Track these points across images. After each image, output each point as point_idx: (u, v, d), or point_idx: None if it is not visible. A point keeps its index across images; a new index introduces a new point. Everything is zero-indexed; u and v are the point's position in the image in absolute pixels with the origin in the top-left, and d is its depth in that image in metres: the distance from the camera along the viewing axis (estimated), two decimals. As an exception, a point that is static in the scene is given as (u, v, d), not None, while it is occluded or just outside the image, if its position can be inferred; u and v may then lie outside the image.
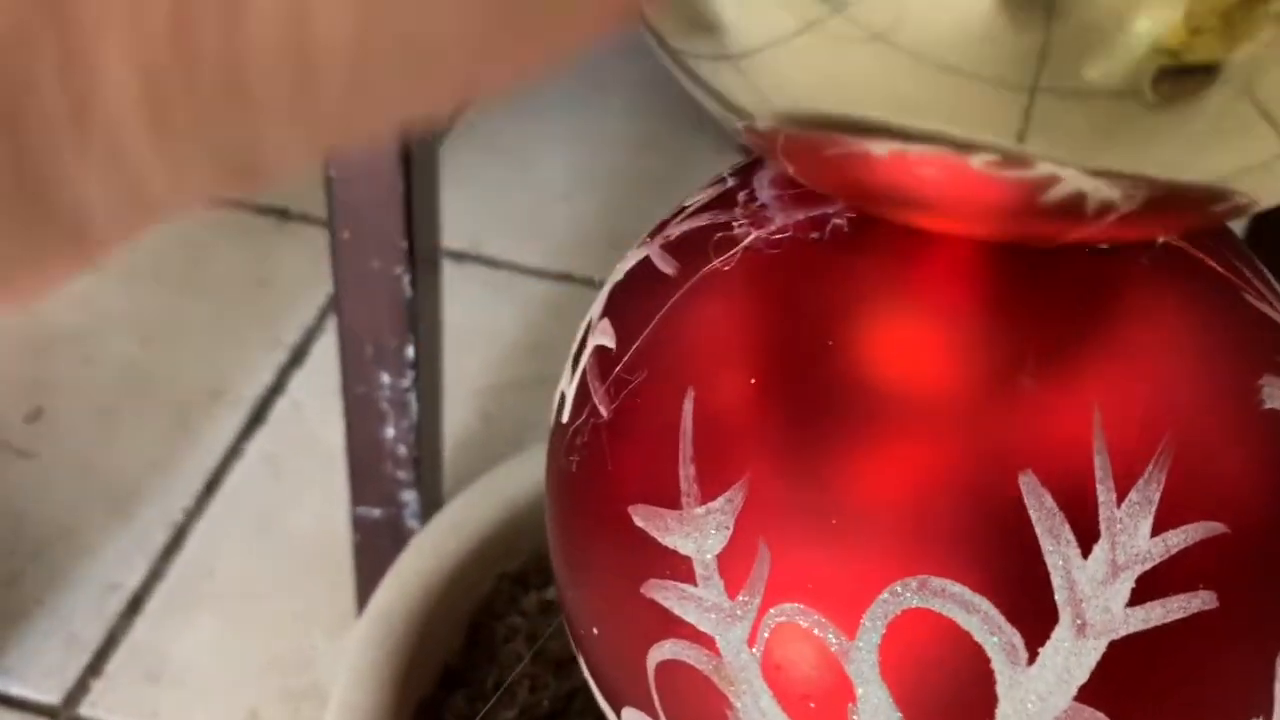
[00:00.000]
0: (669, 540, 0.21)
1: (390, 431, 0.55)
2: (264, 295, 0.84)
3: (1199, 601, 0.19)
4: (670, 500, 0.21)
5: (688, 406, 0.21)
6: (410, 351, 0.51)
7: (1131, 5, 0.14)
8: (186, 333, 0.80)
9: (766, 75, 0.17)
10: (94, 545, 0.68)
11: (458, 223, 0.88)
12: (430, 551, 0.39)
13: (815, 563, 0.19)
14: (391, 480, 0.56)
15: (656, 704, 0.22)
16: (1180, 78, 0.15)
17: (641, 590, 0.21)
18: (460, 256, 0.88)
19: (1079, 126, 0.16)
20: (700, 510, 0.20)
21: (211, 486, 0.70)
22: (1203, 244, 0.21)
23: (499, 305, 0.85)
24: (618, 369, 0.23)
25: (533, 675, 0.40)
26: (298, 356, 0.79)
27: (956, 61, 0.15)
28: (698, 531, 0.20)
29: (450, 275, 0.87)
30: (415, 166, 0.48)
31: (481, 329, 0.82)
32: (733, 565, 0.20)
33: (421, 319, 0.51)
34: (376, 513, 0.58)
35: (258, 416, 0.75)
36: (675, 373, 0.21)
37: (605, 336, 0.24)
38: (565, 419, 0.24)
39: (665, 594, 0.21)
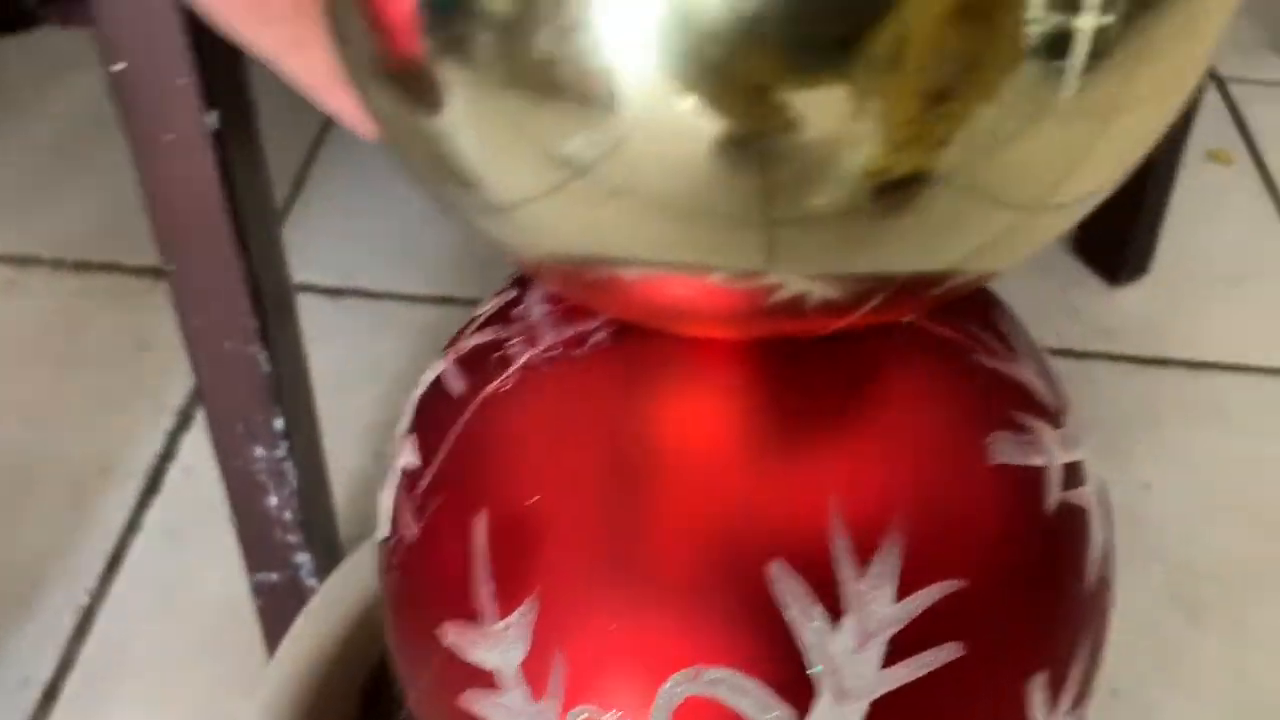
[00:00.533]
0: (475, 656, 0.22)
1: (273, 500, 0.55)
2: (145, 360, 0.83)
3: (946, 653, 0.21)
4: (473, 617, 0.22)
5: (479, 527, 0.22)
6: (279, 423, 0.52)
7: (833, 142, 0.16)
8: (70, 409, 0.79)
9: (522, 225, 0.18)
10: (0, 640, 0.68)
11: (330, 259, 0.89)
12: (309, 636, 0.40)
13: (604, 664, 0.21)
14: (283, 545, 0.57)
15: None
16: (897, 188, 0.16)
17: (458, 702, 0.23)
18: (337, 292, 0.88)
19: (815, 246, 0.17)
20: (500, 626, 0.22)
21: (113, 564, 0.70)
22: (941, 314, 0.23)
23: (381, 337, 0.86)
24: (420, 489, 0.24)
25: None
26: (184, 420, 0.79)
27: (690, 207, 0.16)
28: (500, 645, 0.22)
29: (329, 312, 0.87)
30: (252, 244, 0.48)
31: (366, 364, 0.82)
32: (534, 673, 0.21)
33: (285, 390, 0.52)
34: (274, 577, 0.59)
35: (151, 487, 0.75)
36: (468, 494, 0.23)
37: (410, 456, 0.25)
38: (384, 534, 0.26)
39: (479, 704, 0.22)
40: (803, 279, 0.18)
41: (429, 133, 0.18)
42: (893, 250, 0.18)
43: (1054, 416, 0.24)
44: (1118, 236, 0.87)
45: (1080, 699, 0.23)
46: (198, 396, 0.78)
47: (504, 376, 0.23)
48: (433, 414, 0.25)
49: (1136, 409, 0.80)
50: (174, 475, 0.75)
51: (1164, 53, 0.17)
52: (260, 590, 0.60)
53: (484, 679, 0.22)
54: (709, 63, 0.15)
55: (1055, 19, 0.15)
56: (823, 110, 0.15)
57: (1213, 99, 1.06)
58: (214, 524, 0.70)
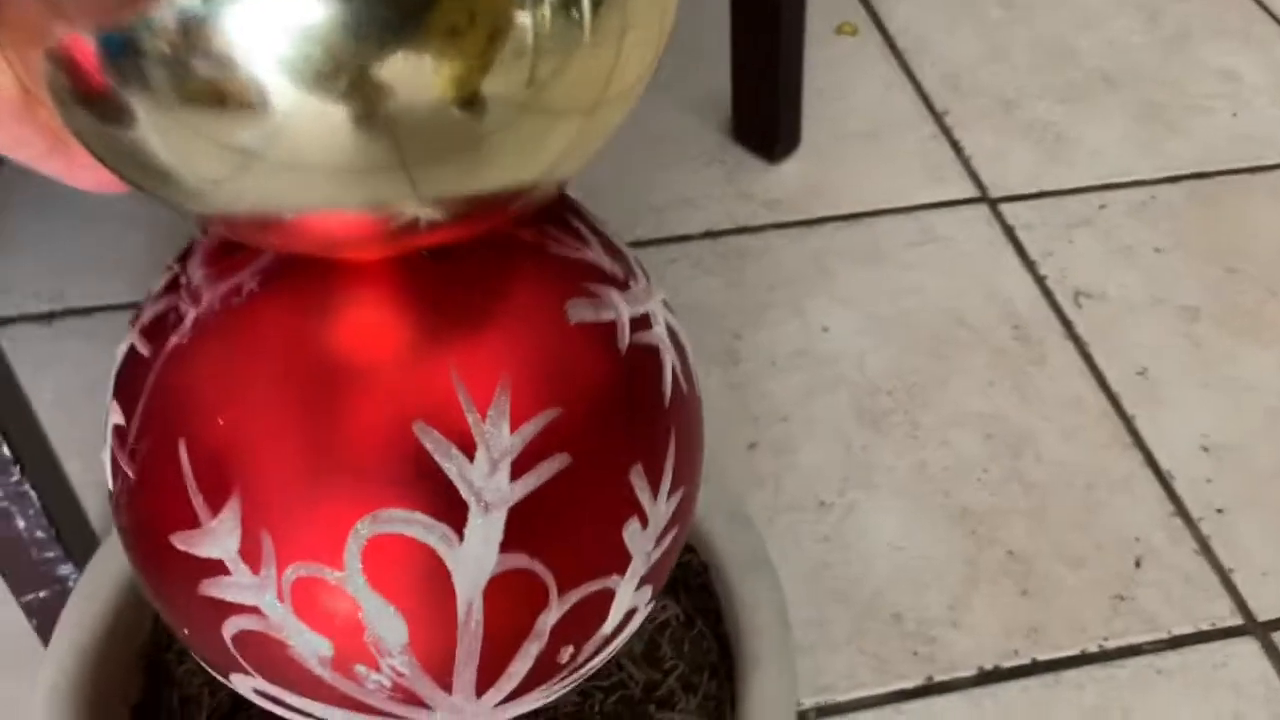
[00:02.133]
0: (203, 551, 0.28)
1: (20, 523, 0.58)
2: None
3: (559, 461, 0.28)
4: (194, 523, 0.28)
5: (183, 453, 0.28)
6: (5, 450, 0.54)
7: (421, 97, 0.21)
8: None
9: (215, 202, 0.23)
10: None
11: (37, 286, 0.88)
12: (77, 622, 0.44)
13: (302, 530, 0.27)
14: (43, 563, 0.60)
15: (243, 663, 0.29)
16: (473, 107, 0.22)
17: (199, 590, 0.28)
18: (49, 316, 0.88)
19: (425, 180, 0.23)
20: (214, 523, 0.27)
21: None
22: (521, 220, 0.30)
23: (103, 349, 0.87)
24: (129, 440, 0.29)
25: (209, 683, 0.46)
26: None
27: (339, 166, 0.22)
28: (218, 539, 0.27)
29: (47, 337, 0.87)
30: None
31: (94, 377, 0.83)
32: (250, 552, 0.27)
33: (4, 416, 0.54)
34: (43, 594, 0.61)
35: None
36: (167, 431, 0.28)
37: (117, 415, 0.30)
38: (110, 487, 0.31)
39: (215, 588, 0.28)
40: (416, 205, 0.24)
41: (125, 144, 0.22)
42: (481, 175, 0.24)
43: (621, 283, 0.31)
44: (767, 118, 0.97)
45: (677, 486, 0.31)
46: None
47: (179, 333, 0.29)
48: (129, 376, 0.30)
49: (809, 266, 0.91)
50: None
51: (636, 5, 0.24)
52: (32, 610, 0.62)
53: (214, 568, 0.28)
54: (317, 64, 0.21)
55: None
56: (409, 74, 0.21)
57: (834, -23, 1.18)
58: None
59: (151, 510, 0.29)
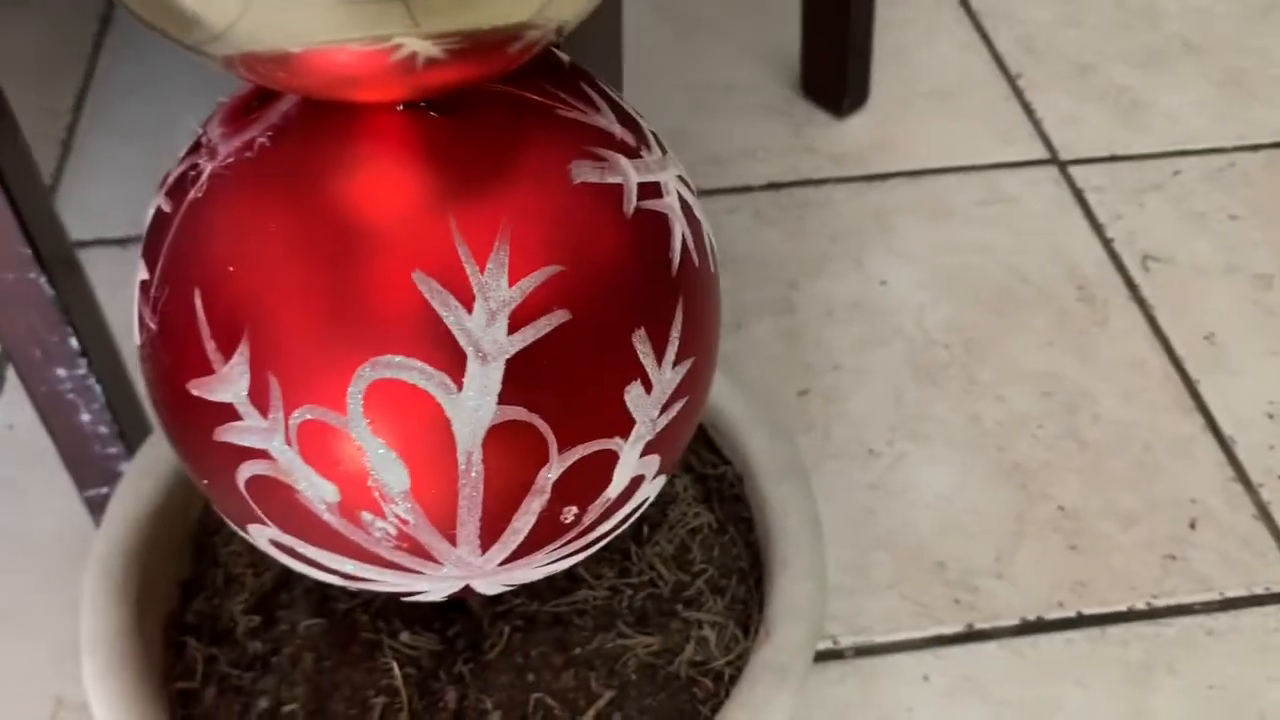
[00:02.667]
0: (215, 395, 0.29)
1: (85, 416, 0.60)
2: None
3: (558, 317, 0.28)
4: (208, 370, 0.29)
5: (198, 302, 0.29)
6: (74, 342, 0.57)
7: None
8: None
9: (229, 42, 0.24)
10: None
11: (113, 210, 0.91)
12: (133, 494, 0.46)
13: (307, 375, 0.28)
14: (104, 458, 0.62)
15: (257, 510, 0.30)
16: None
17: (214, 437, 0.30)
18: (124, 241, 0.91)
19: (420, 11, 0.24)
20: (226, 369, 0.29)
21: (-45, 522, 0.73)
22: (531, 85, 0.31)
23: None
24: (152, 292, 0.31)
25: (253, 564, 0.47)
26: (-5, 380, 0.81)
27: None
28: (230, 383, 0.29)
29: (119, 261, 0.90)
30: (9, 177, 0.53)
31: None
32: (258, 396, 0.28)
33: (74, 310, 0.57)
34: (104, 490, 0.64)
35: (-24, 446, 0.78)
36: (184, 281, 0.29)
37: (142, 271, 0.32)
38: (137, 339, 0.32)
39: (228, 433, 0.29)
40: (416, 39, 0.25)
41: None
42: (475, 10, 0.25)
43: (632, 150, 0.31)
44: (835, 73, 0.96)
45: (684, 356, 0.31)
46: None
47: (197, 188, 0.30)
48: (155, 234, 0.31)
49: (870, 221, 0.91)
50: (-4, 433, 0.78)
51: None
52: (95, 506, 0.65)
53: (227, 413, 0.29)
54: None
55: None
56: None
57: (912, -62, 1.17)
58: (45, 468, 0.74)
59: (171, 359, 0.30)
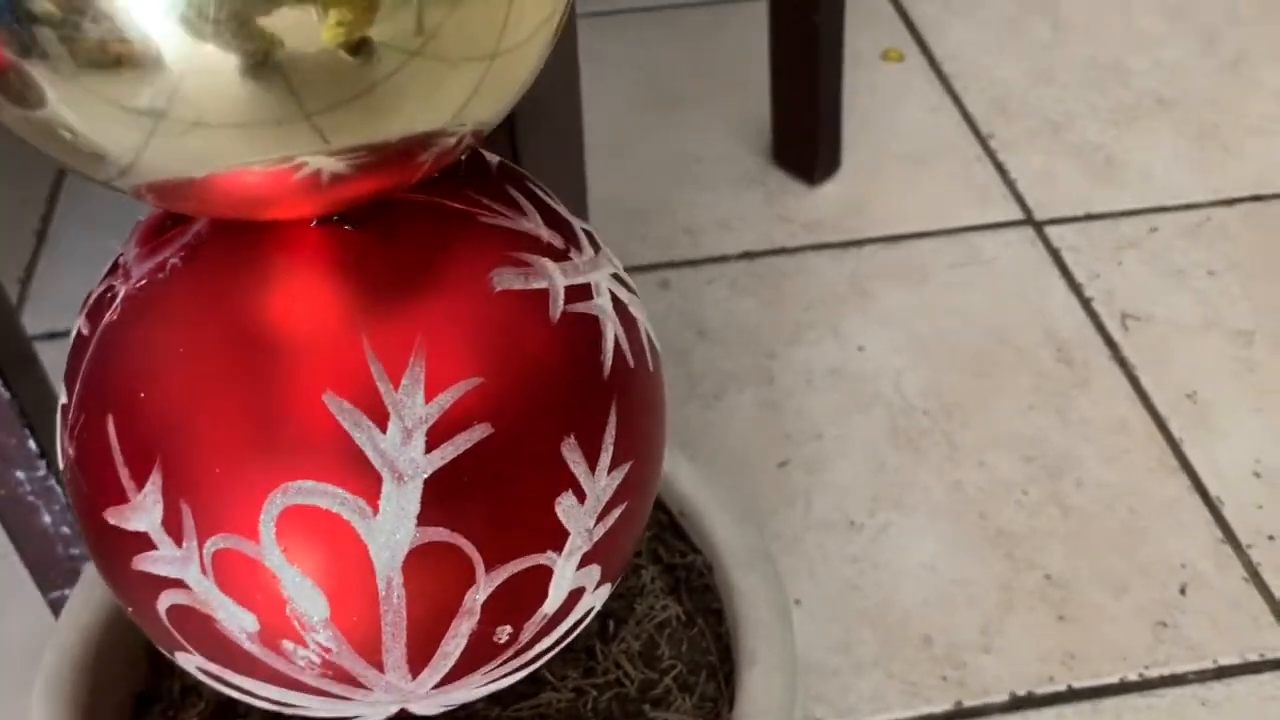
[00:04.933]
0: (130, 524, 0.28)
1: (47, 519, 0.59)
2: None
3: (479, 431, 0.28)
4: (123, 498, 0.28)
5: (111, 428, 0.28)
6: (32, 444, 0.56)
7: (308, 43, 0.22)
8: None
9: (123, 169, 0.24)
10: None
11: (77, 298, 0.91)
12: (84, 603, 0.45)
13: (219, 502, 0.27)
14: (67, 559, 0.61)
15: (179, 638, 0.29)
16: (360, 52, 0.23)
17: (133, 565, 0.29)
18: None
19: (324, 127, 0.23)
20: (139, 497, 0.28)
21: (-82, 631, 0.72)
22: (452, 191, 0.30)
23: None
24: (69, 418, 0.30)
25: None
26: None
27: (240, 119, 0.22)
28: (143, 512, 0.28)
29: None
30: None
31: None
32: (172, 525, 0.28)
33: (32, 413, 0.56)
34: (67, 591, 0.62)
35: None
36: (98, 407, 0.29)
37: (63, 396, 0.31)
38: (60, 466, 0.31)
39: (145, 563, 0.28)
40: (324, 156, 0.24)
41: (35, 120, 0.23)
42: (383, 122, 0.24)
43: (560, 253, 0.31)
44: (806, 141, 0.97)
45: (620, 461, 0.31)
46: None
47: (112, 310, 0.29)
48: (74, 358, 0.31)
49: (846, 287, 0.90)
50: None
51: None
52: (58, 607, 0.63)
53: (143, 542, 0.28)
54: (205, 15, 0.21)
55: None
56: (294, 22, 0.22)
57: (881, 5, 1.18)
58: (6, 568, 0.73)
59: (88, 486, 0.29)
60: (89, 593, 0.47)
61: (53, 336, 0.89)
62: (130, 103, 0.22)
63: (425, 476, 0.27)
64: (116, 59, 0.22)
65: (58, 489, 0.58)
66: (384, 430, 0.27)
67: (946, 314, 0.87)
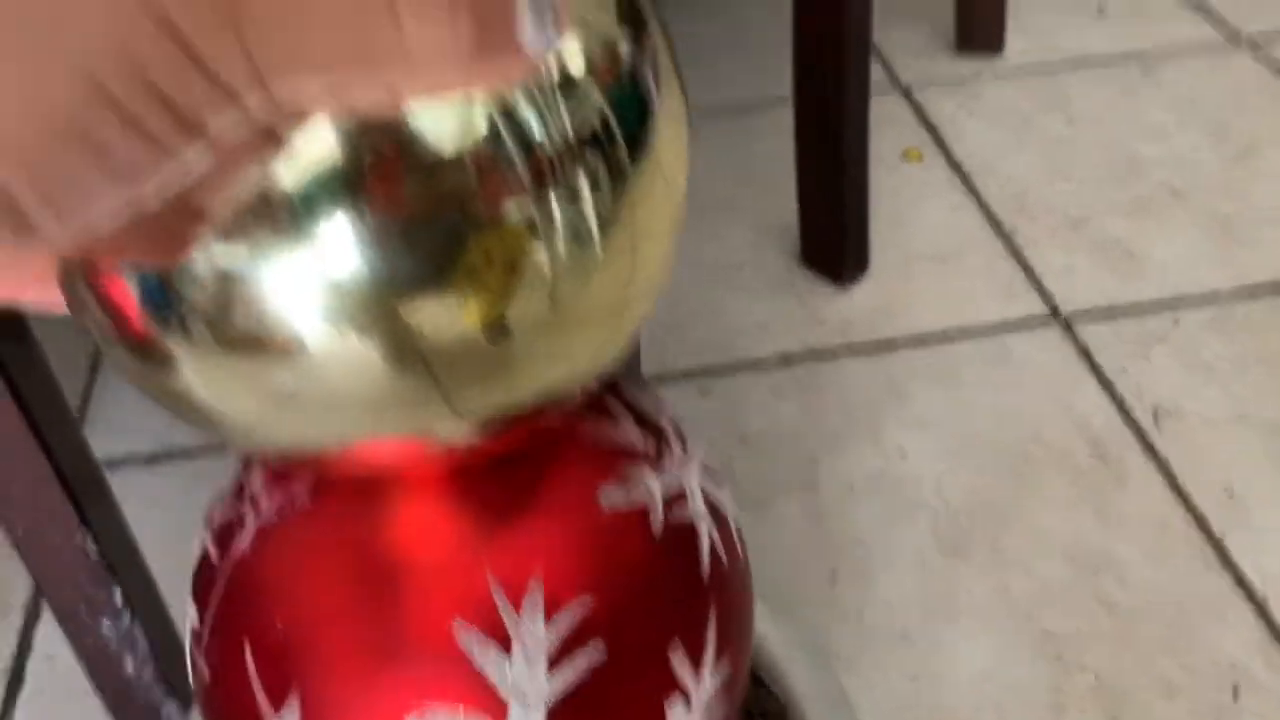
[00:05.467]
0: (268, 746, 0.30)
1: (130, 667, 0.61)
2: (-19, 567, 0.86)
3: (594, 649, 0.30)
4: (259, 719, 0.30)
5: (248, 655, 0.30)
6: (118, 596, 0.58)
7: (451, 333, 0.24)
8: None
9: (254, 438, 0.26)
10: None
11: (142, 427, 0.94)
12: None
13: (356, 726, 0.29)
14: (148, 703, 0.63)
15: None
16: (499, 333, 0.25)
17: (266, 783, 0.31)
18: (154, 458, 0.93)
19: (460, 407, 0.25)
20: (275, 718, 0.30)
21: (-6, 765, 0.73)
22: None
23: (206, 492, 0.92)
24: (204, 641, 0.32)
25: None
26: (33, 614, 0.82)
27: (374, 402, 0.24)
28: (282, 734, 0.30)
29: (148, 480, 0.92)
30: (53, 442, 0.55)
31: (194, 521, 0.88)
32: (310, 747, 0.30)
33: (116, 564, 0.58)
34: (147, 732, 0.64)
35: (16, 681, 0.78)
36: (234, 634, 0.31)
37: (193, 617, 0.33)
38: (192, 683, 0.33)
39: (280, 780, 0.30)
40: (455, 426, 0.26)
41: (167, 386, 0.25)
42: (515, 389, 0.26)
43: (654, 460, 0.33)
44: (834, 243, 0.99)
45: (723, 654, 0.33)
46: (38, 591, 0.83)
47: (243, 540, 0.31)
48: (203, 580, 0.33)
49: (883, 390, 0.92)
50: (35, 666, 0.79)
51: (649, 198, 0.26)
52: (137, 752, 0.65)
53: (278, 762, 0.30)
54: (350, 312, 0.23)
55: (572, 219, 0.24)
56: (436, 313, 0.24)
57: (899, 107, 1.21)
58: (81, 701, 0.74)
59: (224, 708, 0.31)
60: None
61: (110, 464, 0.92)
62: (265, 383, 0.24)
63: (548, 701, 0.29)
64: (259, 344, 0.23)
65: (140, 639, 0.60)
66: (508, 655, 0.29)
67: (982, 414, 0.89)
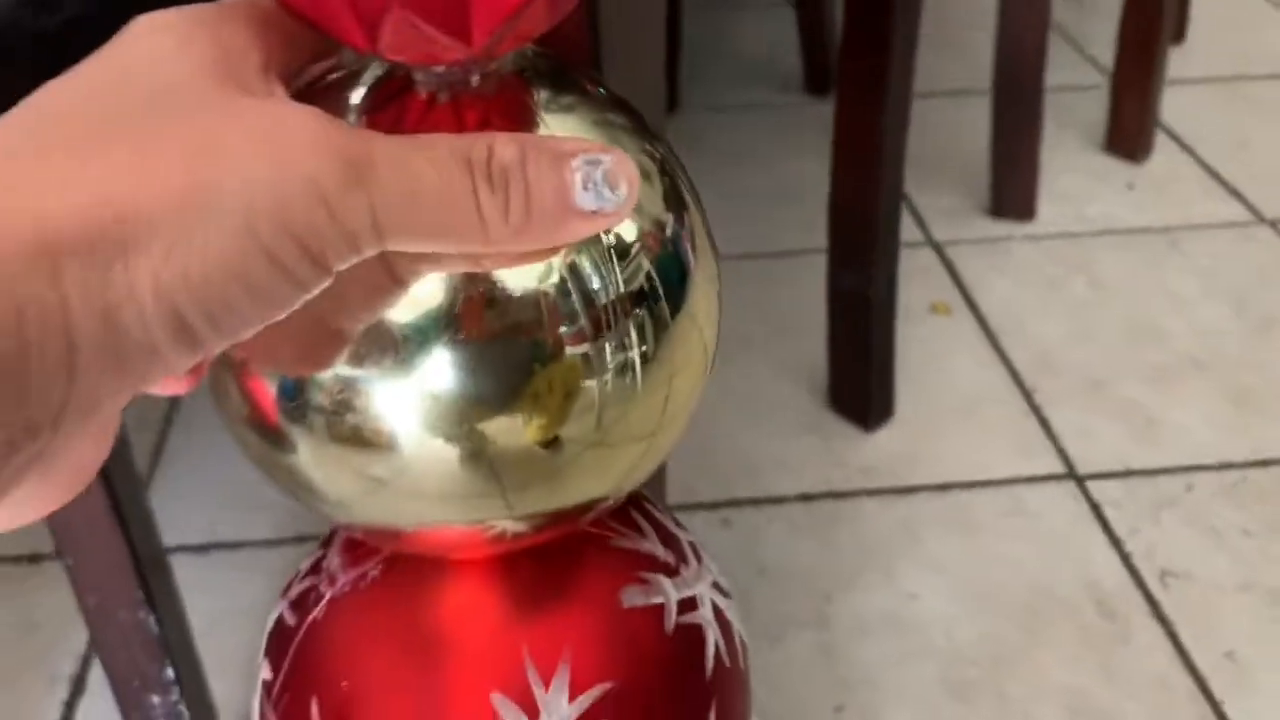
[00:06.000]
0: (324, 793, 0.35)
1: (172, 740, 0.65)
2: (34, 638, 0.91)
3: (610, 728, 0.34)
4: (320, 770, 0.35)
5: (314, 709, 0.35)
6: (169, 673, 0.63)
7: (516, 443, 0.29)
8: (-32, 696, 0.86)
9: (349, 513, 0.32)
10: None
11: (193, 519, 0.99)
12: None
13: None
14: (185, 779, 0.67)
15: None
16: (552, 448, 0.30)
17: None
18: (203, 549, 0.98)
19: (515, 503, 0.31)
20: (335, 769, 0.34)
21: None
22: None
23: (249, 583, 0.96)
24: (274, 694, 0.37)
25: None
26: (78, 687, 0.87)
27: (449, 494, 0.30)
28: (337, 782, 0.34)
29: (199, 566, 0.97)
30: (131, 525, 0.60)
31: (237, 609, 0.92)
32: (362, 795, 0.34)
33: (172, 644, 0.63)
34: (181, 808, 0.68)
35: (57, 752, 0.82)
36: (304, 689, 0.36)
37: (266, 672, 0.38)
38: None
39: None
40: (510, 521, 0.32)
41: (283, 463, 0.31)
42: (562, 495, 0.32)
43: (672, 570, 0.38)
44: (861, 391, 1.05)
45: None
46: (96, 661, 0.87)
47: (318, 609, 0.36)
48: (278, 641, 0.38)
49: (898, 531, 0.96)
50: (75, 739, 0.82)
51: (684, 343, 0.31)
52: (170, 824, 0.69)
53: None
54: (440, 421, 0.29)
55: (619, 358, 0.30)
56: (505, 426, 0.29)
57: (931, 261, 1.28)
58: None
59: (287, 753, 0.36)
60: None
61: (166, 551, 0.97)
62: (363, 470, 0.30)
63: (567, 767, 0.34)
64: (363, 440, 0.29)
65: (185, 713, 0.65)
66: (536, 726, 0.34)
67: (995, 564, 0.93)
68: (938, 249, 1.30)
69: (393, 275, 0.25)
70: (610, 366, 0.30)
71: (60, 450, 0.22)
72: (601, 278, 0.30)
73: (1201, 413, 1.06)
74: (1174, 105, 1.52)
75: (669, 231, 0.31)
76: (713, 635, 0.38)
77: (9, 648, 0.89)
